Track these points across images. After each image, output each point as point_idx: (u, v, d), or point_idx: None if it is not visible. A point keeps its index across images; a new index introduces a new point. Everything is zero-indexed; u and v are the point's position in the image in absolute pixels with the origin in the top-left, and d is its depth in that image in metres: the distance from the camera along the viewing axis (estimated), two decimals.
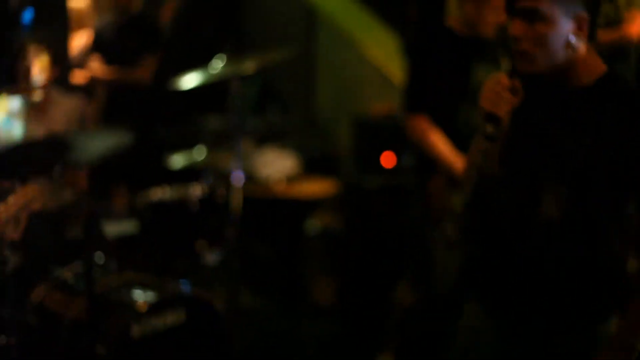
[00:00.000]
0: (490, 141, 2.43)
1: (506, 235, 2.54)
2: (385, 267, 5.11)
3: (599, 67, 2.45)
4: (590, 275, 2.47)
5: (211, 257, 4.49)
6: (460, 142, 4.12)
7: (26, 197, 2.93)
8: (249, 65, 4.90)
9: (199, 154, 4.96)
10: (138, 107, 5.95)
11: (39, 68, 4.51)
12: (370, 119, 5.51)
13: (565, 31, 2.37)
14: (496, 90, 2.40)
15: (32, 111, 4.57)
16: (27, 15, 5.44)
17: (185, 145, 5.13)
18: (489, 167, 2.53)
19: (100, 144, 4.26)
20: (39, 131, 4.43)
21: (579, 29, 2.39)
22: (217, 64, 4.82)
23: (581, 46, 2.40)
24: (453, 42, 4.18)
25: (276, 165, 6.25)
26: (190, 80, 4.84)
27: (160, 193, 4.51)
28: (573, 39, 2.38)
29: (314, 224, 5.77)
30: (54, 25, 5.23)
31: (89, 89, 6.03)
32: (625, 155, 2.37)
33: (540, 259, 2.48)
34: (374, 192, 5.23)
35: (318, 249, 5.70)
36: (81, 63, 5.92)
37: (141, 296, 3.87)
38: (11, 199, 2.88)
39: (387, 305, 4.71)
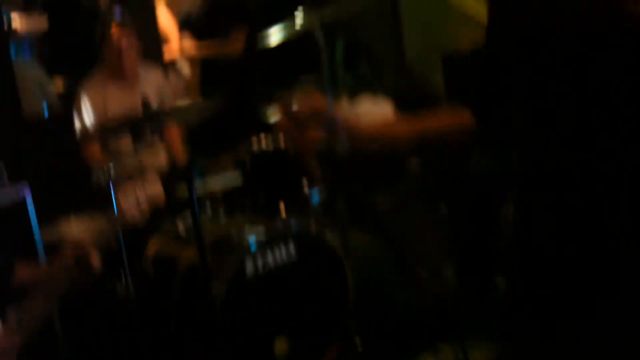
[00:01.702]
0: None
1: None
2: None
3: None
4: None
5: (317, 195, 4.52)
6: None
7: (150, 191, 3.06)
8: (329, 14, 4.95)
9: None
10: (232, 77, 6.09)
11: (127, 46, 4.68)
12: (460, 54, 5.41)
13: None
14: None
15: (124, 85, 4.75)
16: None
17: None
18: None
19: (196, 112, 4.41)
20: (133, 104, 4.58)
21: None
22: (298, 17, 4.89)
23: None
24: None
25: (373, 112, 6.28)
26: (274, 36, 4.92)
27: (260, 143, 4.57)
28: None
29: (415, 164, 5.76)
30: (142, 6, 5.40)
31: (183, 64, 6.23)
32: None
33: None
34: None
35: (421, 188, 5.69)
36: (172, 40, 6.11)
37: (252, 236, 3.96)
38: (134, 189, 3.01)
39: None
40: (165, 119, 4.32)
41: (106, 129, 4.45)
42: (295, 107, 2.05)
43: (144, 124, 4.36)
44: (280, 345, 3.98)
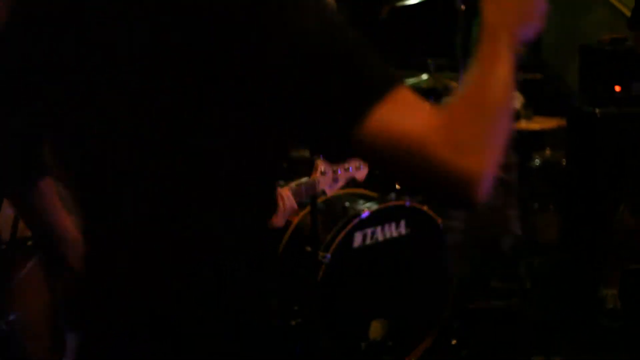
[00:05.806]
0: None
1: None
2: (609, 196, 4.90)
3: None
4: None
5: None
6: None
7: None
8: None
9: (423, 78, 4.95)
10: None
11: None
12: (597, 45, 5.19)
13: None
14: None
15: None
16: None
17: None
18: None
19: None
20: None
21: None
22: None
23: None
24: None
25: None
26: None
27: None
28: None
29: (538, 158, 5.62)
30: None
31: None
32: None
33: None
34: (602, 121, 4.98)
35: (540, 183, 5.56)
36: None
37: (364, 206, 3.91)
38: None
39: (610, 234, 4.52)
40: None
41: None
42: None
43: None
44: (376, 328, 3.93)
